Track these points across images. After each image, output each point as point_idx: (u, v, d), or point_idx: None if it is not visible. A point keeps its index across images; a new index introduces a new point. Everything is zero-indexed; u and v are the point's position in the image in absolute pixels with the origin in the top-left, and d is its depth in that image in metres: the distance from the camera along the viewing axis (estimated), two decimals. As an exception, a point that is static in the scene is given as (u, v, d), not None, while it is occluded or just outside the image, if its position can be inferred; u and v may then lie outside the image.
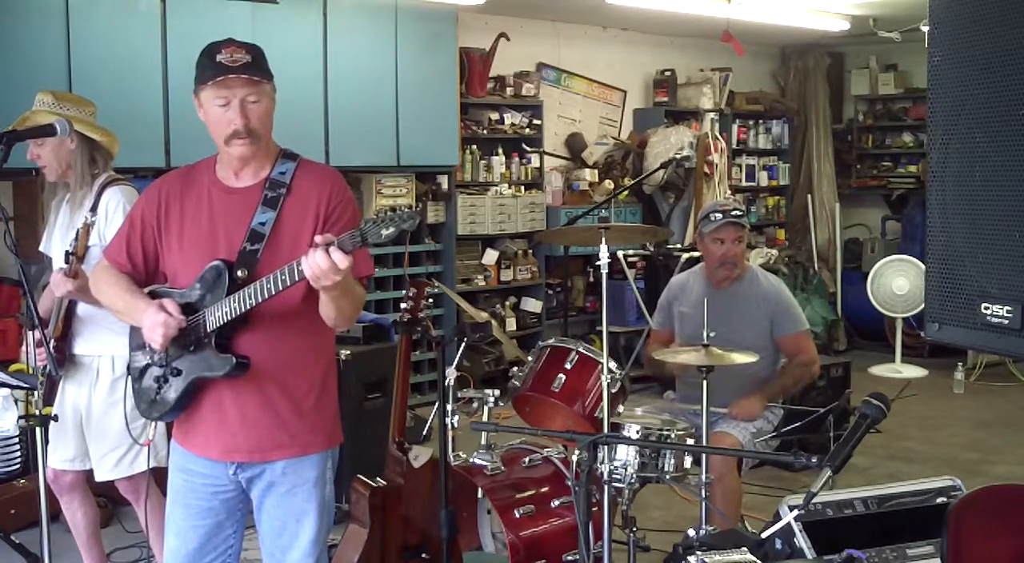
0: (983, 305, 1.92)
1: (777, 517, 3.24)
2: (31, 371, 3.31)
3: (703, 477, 3.49)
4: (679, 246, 7.95)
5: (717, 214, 4.13)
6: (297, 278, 2.24)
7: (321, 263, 2.15)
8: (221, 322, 2.39)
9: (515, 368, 3.97)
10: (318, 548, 2.59)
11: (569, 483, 3.59)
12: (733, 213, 4.13)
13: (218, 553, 2.62)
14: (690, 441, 3.36)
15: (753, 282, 4.20)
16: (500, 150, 7.63)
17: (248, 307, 2.34)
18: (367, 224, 2.11)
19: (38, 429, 3.08)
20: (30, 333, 3.25)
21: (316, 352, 2.56)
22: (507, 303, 7.60)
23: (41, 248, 3.60)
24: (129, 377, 2.65)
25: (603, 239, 3.36)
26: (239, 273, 2.40)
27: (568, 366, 3.69)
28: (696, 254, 6.72)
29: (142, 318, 2.45)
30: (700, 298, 3.83)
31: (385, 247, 6.81)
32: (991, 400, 7.25)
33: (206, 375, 2.45)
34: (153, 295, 2.51)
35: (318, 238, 2.18)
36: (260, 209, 2.46)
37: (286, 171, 2.51)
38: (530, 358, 3.88)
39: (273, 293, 2.30)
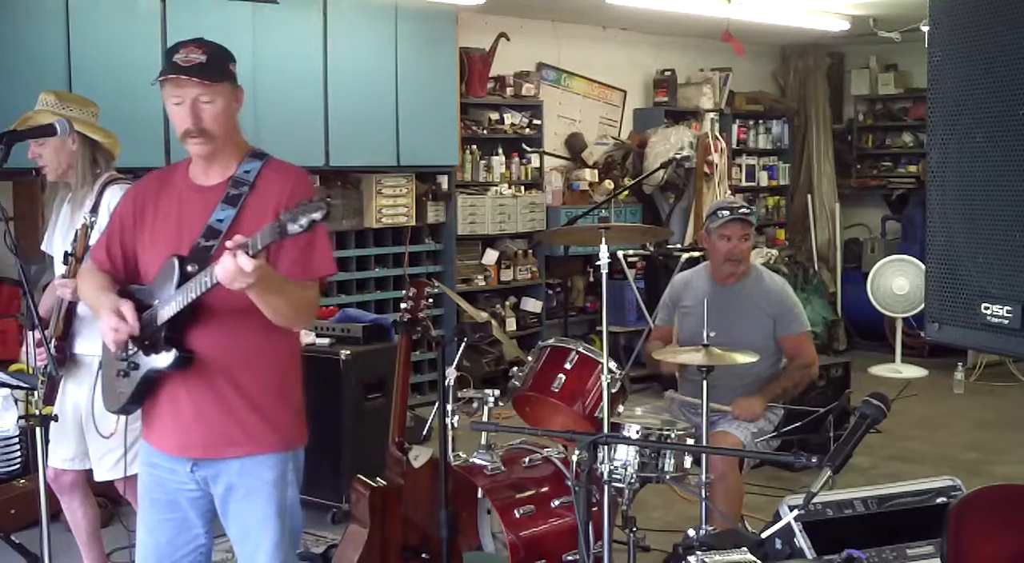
0: (983, 305, 1.92)
1: (777, 517, 3.24)
2: (31, 371, 3.31)
3: (703, 477, 3.49)
4: (679, 246, 7.96)
5: (725, 211, 4.15)
6: (214, 281, 2.28)
7: (227, 266, 2.20)
8: (167, 316, 2.43)
9: (515, 368, 3.97)
10: (282, 552, 2.59)
11: (569, 483, 3.59)
12: (741, 210, 4.16)
13: (188, 550, 2.64)
14: (690, 441, 3.36)
15: (757, 281, 4.20)
16: (500, 150, 7.63)
17: (188, 301, 2.38)
18: (285, 215, 2.16)
19: (38, 429, 3.08)
20: (30, 333, 3.25)
21: (273, 350, 2.57)
22: (507, 303, 7.60)
23: (43, 247, 3.60)
24: (100, 371, 2.67)
25: (603, 239, 3.36)
26: (189, 268, 2.43)
27: (568, 366, 3.69)
28: (696, 254, 6.74)
29: (101, 317, 2.50)
30: (703, 296, 3.84)
31: (385, 247, 6.83)
32: (991, 400, 7.25)
33: (156, 368, 2.48)
34: (124, 292, 2.55)
35: (228, 243, 2.22)
36: (220, 206, 2.50)
37: (251, 169, 2.55)
38: (530, 358, 3.88)
39: (201, 292, 2.34)
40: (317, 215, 2.12)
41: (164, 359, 2.45)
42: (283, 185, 2.52)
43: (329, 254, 2.55)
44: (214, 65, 2.47)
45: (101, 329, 2.49)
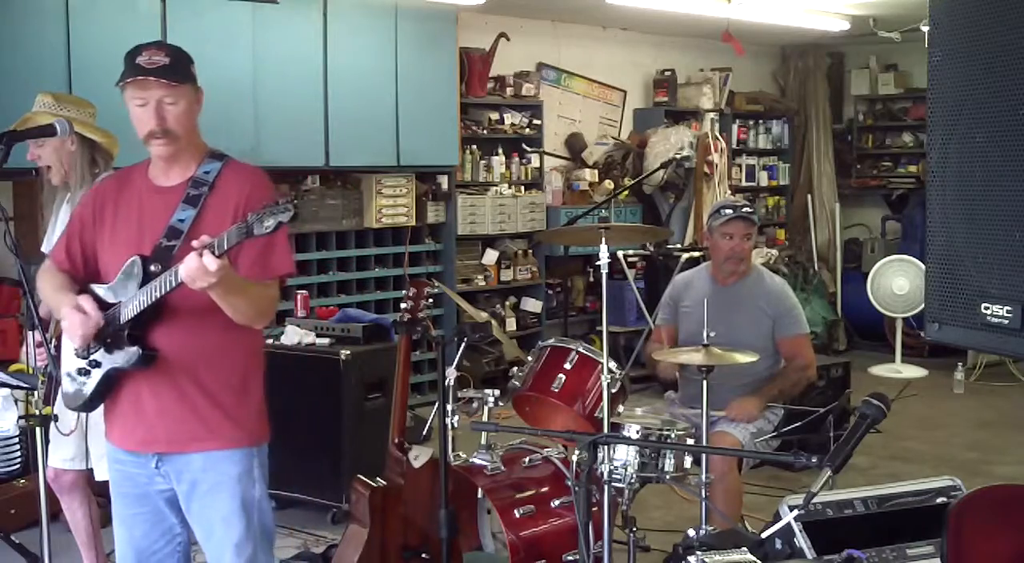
0: (983, 305, 1.92)
1: (777, 517, 3.24)
2: (31, 371, 3.31)
3: (703, 477, 3.49)
4: (679, 246, 7.96)
5: (728, 210, 4.17)
6: (178, 280, 2.31)
7: (191, 265, 2.24)
8: (130, 315, 2.46)
9: (515, 368, 3.98)
10: (248, 548, 2.60)
11: (569, 483, 3.59)
12: (744, 209, 4.18)
13: (165, 541, 2.66)
14: (690, 441, 3.37)
15: (758, 281, 4.21)
16: (500, 150, 7.62)
17: (152, 300, 2.41)
18: (252, 216, 2.20)
19: (38, 429, 3.08)
20: (30, 333, 3.25)
21: (235, 347, 2.59)
22: (507, 303, 7.60)
23: (43, 248, 3.60)
24: (62, 369, 2.69)
25: (603, 239, 3.36)
26: (152, 267, 2.46)
27: (568, 366, 3.69)
28: (696, 254, 6.74)
29: (63, 315, 2.52)
30: (703, 296, 3.84)
31: (385, 247, 6.83)
32: (991, 400, 7.25)
33: (118, 367, 2.51)
34: (85, 291, 2.57)
35: (194, 243, 2.26)
36: (181, 206, 2.53)
37: (211, 170, 2.58)
38: (530, 358, 3.88)
39: (165, 291, 2.38)
40: (284, 217, 2.18)
41: (127, 357, 2.48)
42: (242, 186, 2.55)
43: (288, 253, 2.58)
44: (177, 67, 2.51)
45: (64, 327, 2.52)
